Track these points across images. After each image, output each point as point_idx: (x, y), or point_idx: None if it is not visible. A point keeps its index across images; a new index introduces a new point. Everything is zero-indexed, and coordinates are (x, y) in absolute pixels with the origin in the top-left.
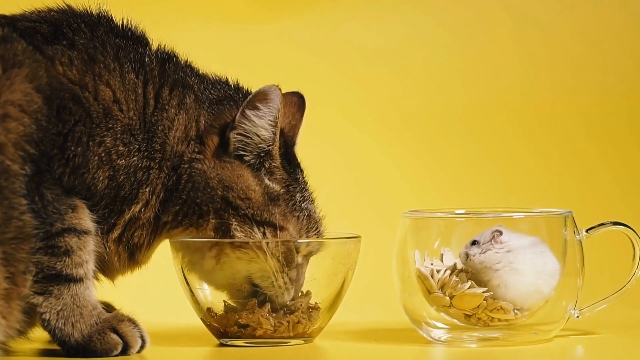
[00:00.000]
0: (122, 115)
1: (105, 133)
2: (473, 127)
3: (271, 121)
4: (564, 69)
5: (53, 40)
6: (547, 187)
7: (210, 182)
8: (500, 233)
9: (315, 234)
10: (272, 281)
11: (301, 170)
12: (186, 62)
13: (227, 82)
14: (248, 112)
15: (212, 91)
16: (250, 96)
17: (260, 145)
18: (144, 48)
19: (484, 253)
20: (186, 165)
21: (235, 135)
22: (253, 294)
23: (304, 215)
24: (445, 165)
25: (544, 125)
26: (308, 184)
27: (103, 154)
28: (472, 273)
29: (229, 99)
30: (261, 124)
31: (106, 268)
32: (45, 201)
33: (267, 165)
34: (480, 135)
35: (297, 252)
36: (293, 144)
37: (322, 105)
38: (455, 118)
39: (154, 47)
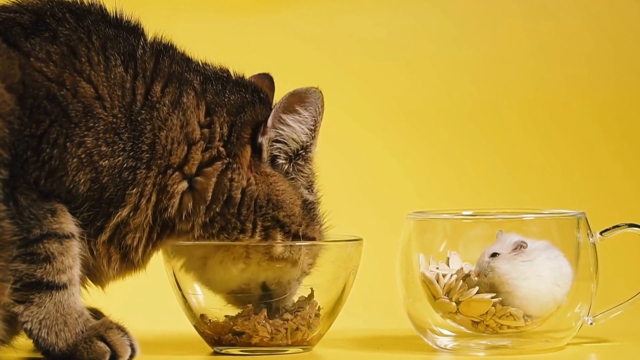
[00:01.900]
0: (105, 113)
1: (86, 133)
2: (481, 123)
3: (312, 125)
4: (578, 63)
5: (33, 32)
6: (559, 187)
7: (258, 201)
8: (525, 245)
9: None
10: (286, 288)
11: None
12: (182, 53)
13: (228, 78)
14: (285, 116)
15: (225, 94)
16: (286, 98)
17: (300, 152)
18: (138, 39)
19: (509, 265)
20: (209, 168)
21: (272, 143)
22: (259, 299)
23: (319, 216)
24: (451, 163)
25: (557, 122)
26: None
27: (83, 155)
28: (490, 285)
29: (247, 104)
30: (302, 130)
31: (93, 275)
32: (20, 207)
33: (306, 171)
34: (489, 133)
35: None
36: None
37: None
38: (463, 114)
39: (150, 38)
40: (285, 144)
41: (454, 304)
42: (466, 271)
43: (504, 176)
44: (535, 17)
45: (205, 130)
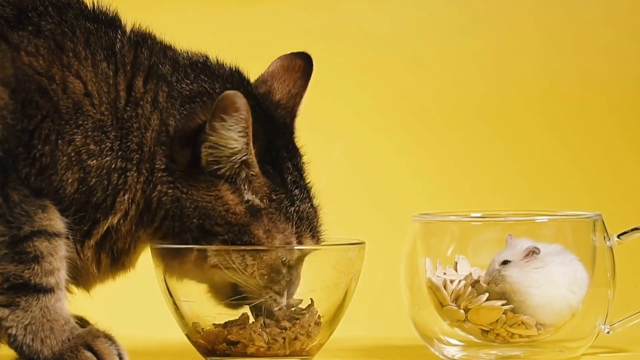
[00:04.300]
0: (94, 111)
1: (75, 130)
2: (491, 120)
3: (240, 131)
4: (594, 56)
5: (17, 25)
6: (573, 187)
7: (185, 210)
8: (538, 251)
9: (311, 235)
10: (257, 294)
11: (294, 163)
12: (161, 43)
13: (200, 66)
14: (215, 123)
15: (184, 83)
16: (214, 105)
17: (233, 158)
18: (116, 31)
19: (522, 273)
20: (153, 184)
21: (206, 149)
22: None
23: (294, 220)
24: (459, 162)
25: (571, 118)
26: (304, 176)
27: (72, 154)
28: (501, 293)
29: (203, 93)
30: (230, 136)
31: (79, 277)
32: (12, 203)
33: (243, 175)
34: (498, 130)
35: (285, 264)
36: (293, 116)
37: (323, 96)
38: (472, 110)
39: (128, 29)
40: (220, 149)
41: (462, 311)
42: (475, 277)
43: (515, 176)
44: (548, 7)
45: (166, 128)
